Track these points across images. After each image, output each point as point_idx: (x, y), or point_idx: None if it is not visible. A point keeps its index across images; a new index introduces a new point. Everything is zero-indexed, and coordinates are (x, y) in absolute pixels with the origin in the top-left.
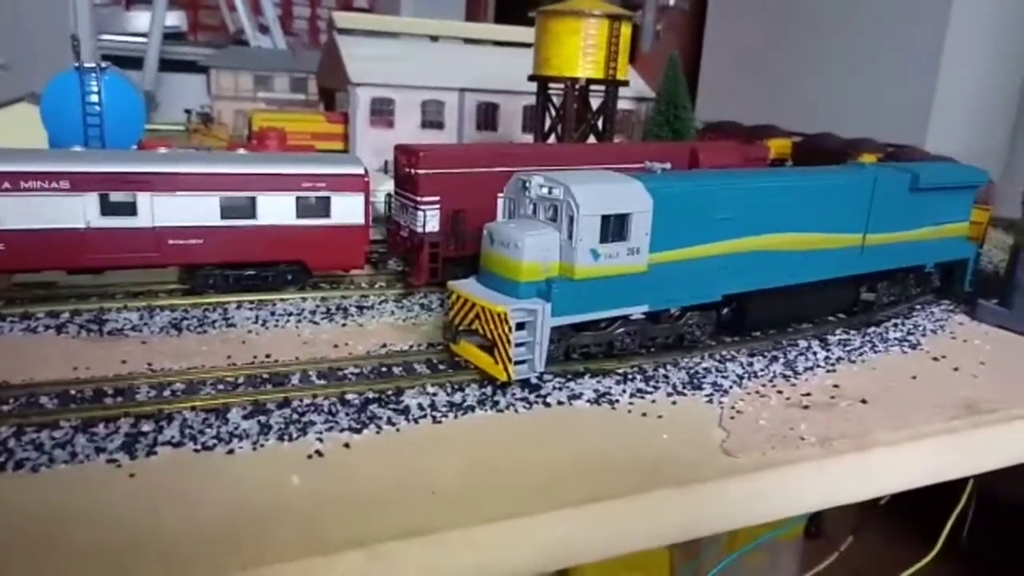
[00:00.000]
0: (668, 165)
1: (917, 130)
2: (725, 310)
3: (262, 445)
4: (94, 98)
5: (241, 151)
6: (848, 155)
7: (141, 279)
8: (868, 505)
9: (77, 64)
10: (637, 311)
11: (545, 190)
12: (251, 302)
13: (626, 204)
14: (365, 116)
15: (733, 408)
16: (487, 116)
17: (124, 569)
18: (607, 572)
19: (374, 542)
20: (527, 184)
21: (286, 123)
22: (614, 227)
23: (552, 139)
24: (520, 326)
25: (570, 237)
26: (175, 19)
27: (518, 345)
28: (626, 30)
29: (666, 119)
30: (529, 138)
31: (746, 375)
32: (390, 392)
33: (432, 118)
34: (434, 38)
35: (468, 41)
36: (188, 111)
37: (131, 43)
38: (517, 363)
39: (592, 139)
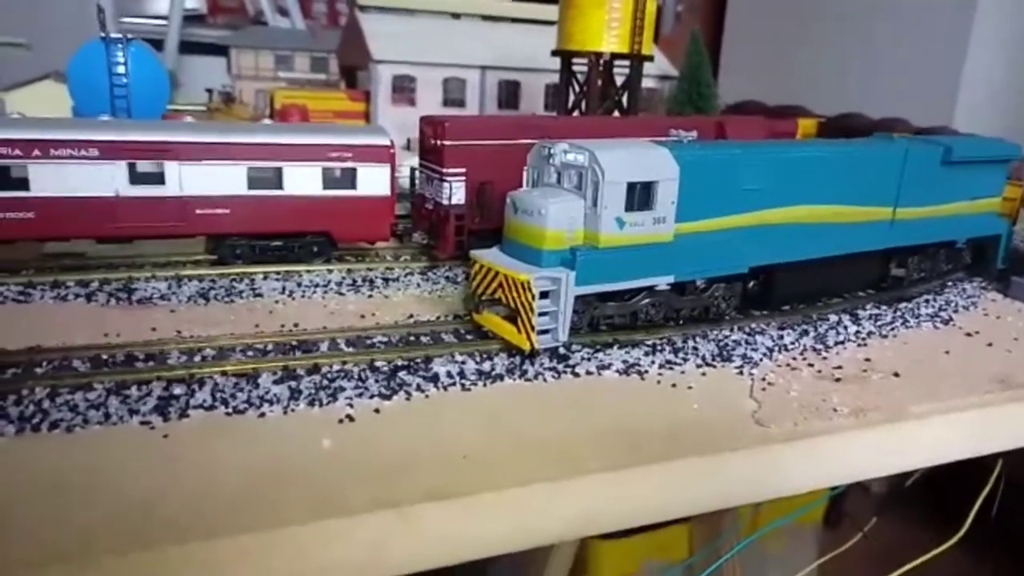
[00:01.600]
0: (695, 134)
1: (945, 109)
2: (752, 283)
3: (293, 410)
4: (121, 68)
5: (266, 122)
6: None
7: (168, 250)
8: (892, 488)
9: (103, 35)
10: (662, 282)
11: (570, 157)
12: (277, 273)
13: (653, 172)
14: (387, 94)
15: (764, 380)
16: (509, 94)
17: (154, 524)
18: (625, 551)
19: (402, 504)
20: (551, 152)
21: (308, 101)
22: (640, 195)
23: (576, 114)
24: (544, 295)
25: (595, 205)
26: (195, 1)
27: (541, 314)
28: (651, 5)
29: (688, 97)
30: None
31: (776, 348)
32: (419, 360)
33: (454, 96)
34: (456, 15)
35: (490, 19)
36: (209, 90)
37: (152, 25)
38: (540, 332)
39: (616, 114)
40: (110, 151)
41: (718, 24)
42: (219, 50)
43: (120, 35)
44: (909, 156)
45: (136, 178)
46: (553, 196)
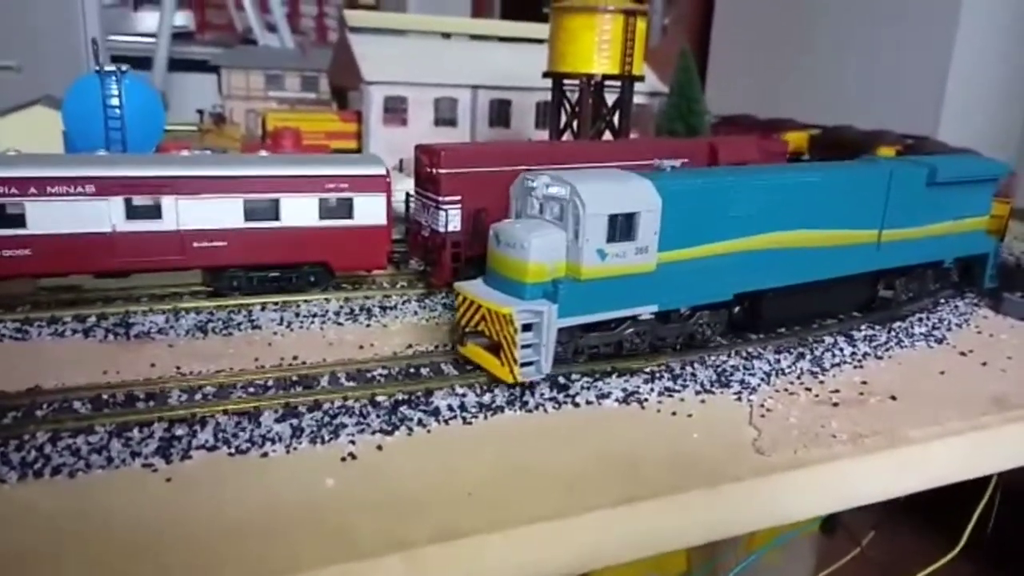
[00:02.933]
0: (678, 163)
1: (929, 119)
2: (737, 308)
3: (295, 448)
4: (115, 101)
5: (263, 153)
6: (865, 148)
7: (165, 282)
8: (888, 501)
9: (98, 67)
10: (646, 311)
11: (552, 189)
12: (275, 303)
13: (634, 203)
14: (379, 114)
15: (762, 406)
16: (500, 113)
17: (164, 571)
18: (623, 570)
19: (412, 546)
20: (533, 183)
21: (300, 122)
22: (621, 226)
23: (567, 136)
24: (527, 327)
25: (576, 237)
26: (183, 19)
27: (524, 347)
28: (641, 25)
29: (679, 113)
30: (543, 134)
31: (773, 372)
32: (419, 393)
33: (445, 115)
34: (446, 35)
35: (480, 38)
36: (200, 111)
37: (140, 43)
38: (523, 365)
39: (608, 135)
40: (106, 188)
41: (704, 36)
42: (208, 67)
43: (115, 68)
44: (894, 178)
45: (133, 213)
46: (536, 229)
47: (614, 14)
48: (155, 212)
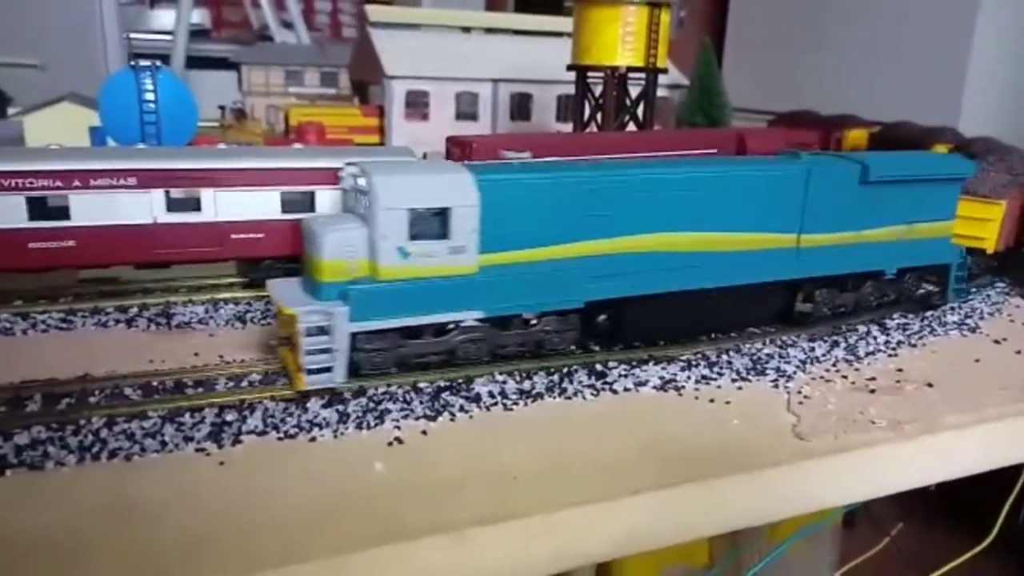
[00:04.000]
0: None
1: (950, 109)
2: (602, 317)
3: (342, 433)
4: (150, 96)
5: (297, 146)
6: (924, 145)
7: (200, 273)
8: (916, 491)
9: (133, 63)
10: (467, 317)
11: (360, 181)
12: None
13: (443, 198)
14: (400, 109)
15: (800, 393)
16: (521, 106)
17: (221, 554)
18: (646, 557)
19: (459, 527)
20: (345, 175)
21: (323, 117)
22: (429, 223)
23: (592, 128)
24: (317, 330)
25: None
26: (199, 16)
27: (313, 352)
28: (666, 17)
29: (699, 106)
30: (564, 128)
31: (808, 360)
32: (460, 380)
33: (466, 109)
34: (466, 29)
35: (500, 31)
36: (222, 107)
37: (156, 41)
38: (312, 371)
39: (632, 128)
40: (147, 180)
41: (720, 28)
42: (224, 64)
43: (150, 63)
44: (813, 176)
45: (173, 205)
46: (335, 224)
47: (639, 6)
48: (195, 204)
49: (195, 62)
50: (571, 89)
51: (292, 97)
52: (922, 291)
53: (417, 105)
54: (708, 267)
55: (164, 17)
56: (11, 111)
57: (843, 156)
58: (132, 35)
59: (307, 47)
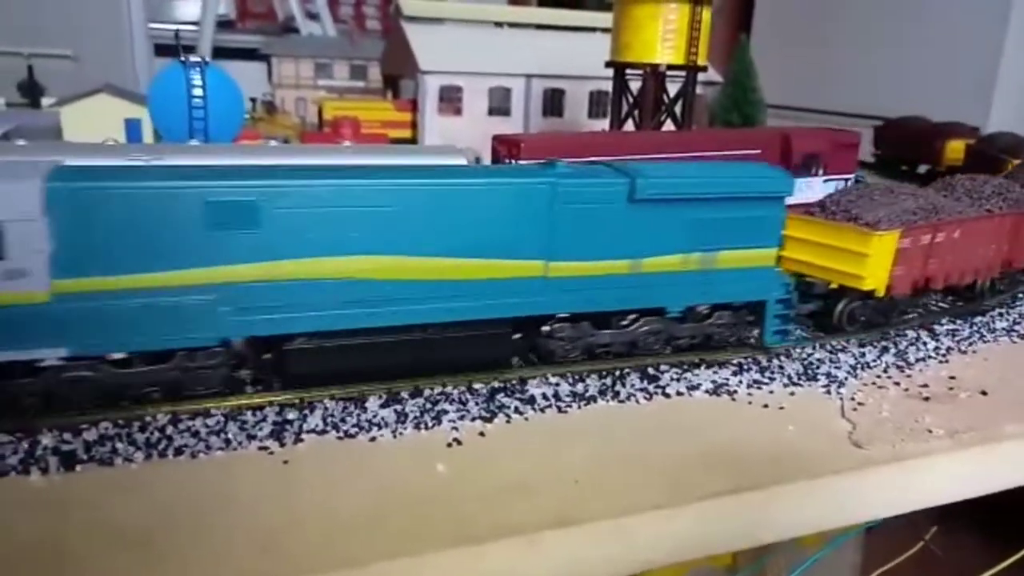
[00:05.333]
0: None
1: (978, 106)
2: (267, 354)
3: (401, 433)
4: (198, 91)
5: (347, 143)
6: (1020, 155)
7: None
8: None
9: (183, 58)
10: (43, 355)
11: None
12: None
13: None
14: (434, 103)
15: (853, 399)
16: (553, 102)
17: (288, 554)
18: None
19: (527, 531)
20: None
21: (357, 111)
22: None
23: (628, 126)
24: None
25: None
26: (224, 6)
27: None
28: (707, 15)
29: (734, 103)
30: (595, 124)
31: (859, 366)
32: (514, 381)
33: (499, 104)
34: (499, 24)
35: (533, 27)
36: (253, 100)
37: (182, 31)
38: None
39: (670, 126)
40: None
41: (746, 24)
42: (250, 55)
43: (200, 59)
44: (560, 193)
45: None
46: None
47: (680, 3)
48: None
49: (220, 53)
50: (603, 85)
51: (321, 90)
52: (728, 333)
53: (450, 100)
54: (412, 299)
55: (189, 7)
56: (44, 101)
57: (612, 168)
58: (154, 25)
59: (336, 39)
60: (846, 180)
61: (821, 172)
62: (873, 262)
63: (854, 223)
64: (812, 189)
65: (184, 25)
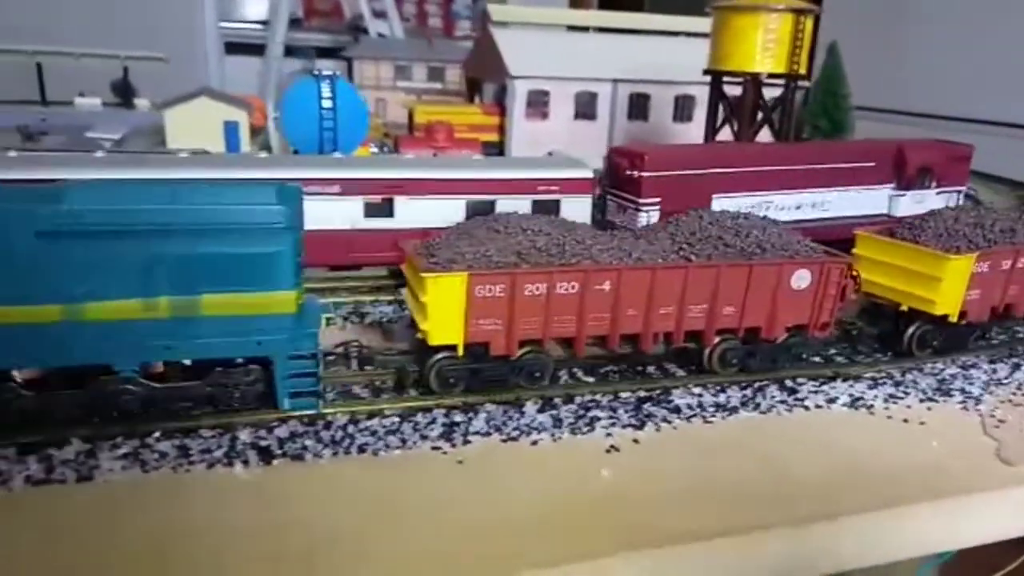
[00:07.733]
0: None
1: None
2: None
3: (559, 438)
4: (328, 104)
5: (476, 156)
6: None
7: (366, 275)
8: None
9: (316, 72)
10: None
11: None
12: None
13: None
14: (522, 108)
15: (993, 416)
16: (639, 106)
17: (462, 565)
18: None
19: (708, 537)
20: None
21: (447, 116)
22: None
23: (726, 135)
24: None
25: None
26: (291, 5)
27: None
28: (809, 24)
29: (823, 108)
30: (680, 128)
31: (992, 382)
32: (658, 391)
33: (584, 109)
34: (585, 29)
35: (619, 31)
36: None
37: (247, 30)
38: None
39: (768, 136)
40: (349, 188)
41: (814, 23)
42: (317, 53)
43: (330, 72)
44: None
45: (370, 211)
46: None
47: (783, 13)
48: (388, 211)
49: (287, 51)
50: (689, 90)
51: (400, 91)
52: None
53: (537, 104)
54: None
55: (256, 6)
56: (137, 102)
57: (23, 192)
58: (223, 25)
59: (415, 42)
60: (959, 192)
61: (934, 184)
62: (947, 286)
63: (929, 246)
64: (926, 201)
65: (253, 24)
